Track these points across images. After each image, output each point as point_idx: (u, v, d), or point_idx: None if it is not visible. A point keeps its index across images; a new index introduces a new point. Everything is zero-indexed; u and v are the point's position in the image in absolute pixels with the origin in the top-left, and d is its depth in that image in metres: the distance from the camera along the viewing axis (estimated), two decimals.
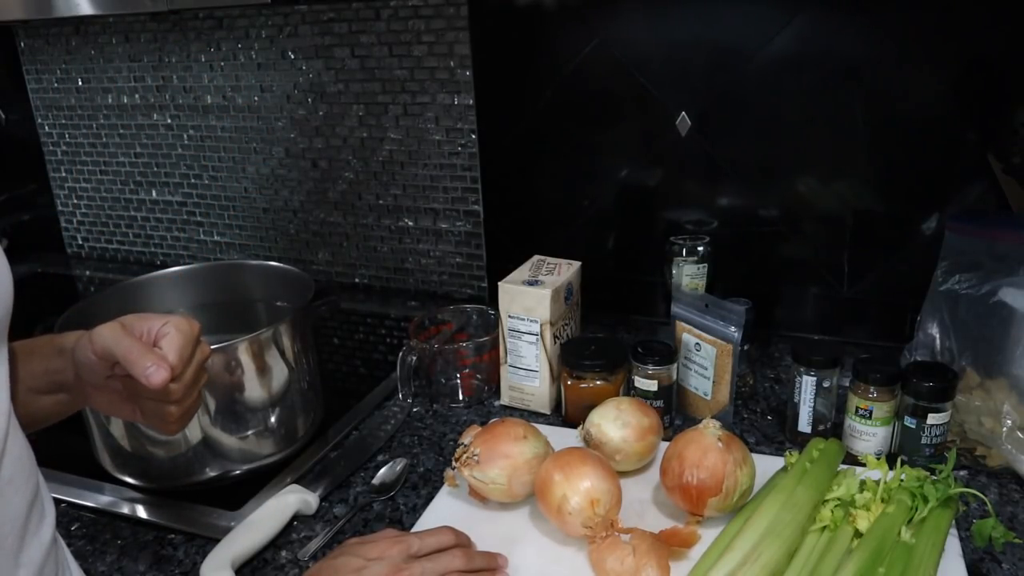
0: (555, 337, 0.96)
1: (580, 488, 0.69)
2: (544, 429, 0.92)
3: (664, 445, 0.79)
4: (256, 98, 1.38)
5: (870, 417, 0.82)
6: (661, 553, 0.66)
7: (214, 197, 1.51)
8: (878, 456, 0.80)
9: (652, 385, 0.90)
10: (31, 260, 1.69)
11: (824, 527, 0.67)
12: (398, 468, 0.87)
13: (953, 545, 0.68)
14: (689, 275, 1.06)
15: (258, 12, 1.31)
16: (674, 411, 0.94)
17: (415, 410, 1.00)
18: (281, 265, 1.04)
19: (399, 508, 0.82)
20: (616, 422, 0.80)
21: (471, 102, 1.23)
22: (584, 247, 1.16)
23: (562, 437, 0.90)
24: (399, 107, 1.28)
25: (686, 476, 0.72)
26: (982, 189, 1.00)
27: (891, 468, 0.72)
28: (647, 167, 1.16)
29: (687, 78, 1.09)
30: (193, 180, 1.51)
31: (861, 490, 0.71)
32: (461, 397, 1.01)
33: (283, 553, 0.76)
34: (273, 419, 0.87)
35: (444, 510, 0.79)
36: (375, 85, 1.28)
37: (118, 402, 0.65)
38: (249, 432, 0.85)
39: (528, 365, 0.96)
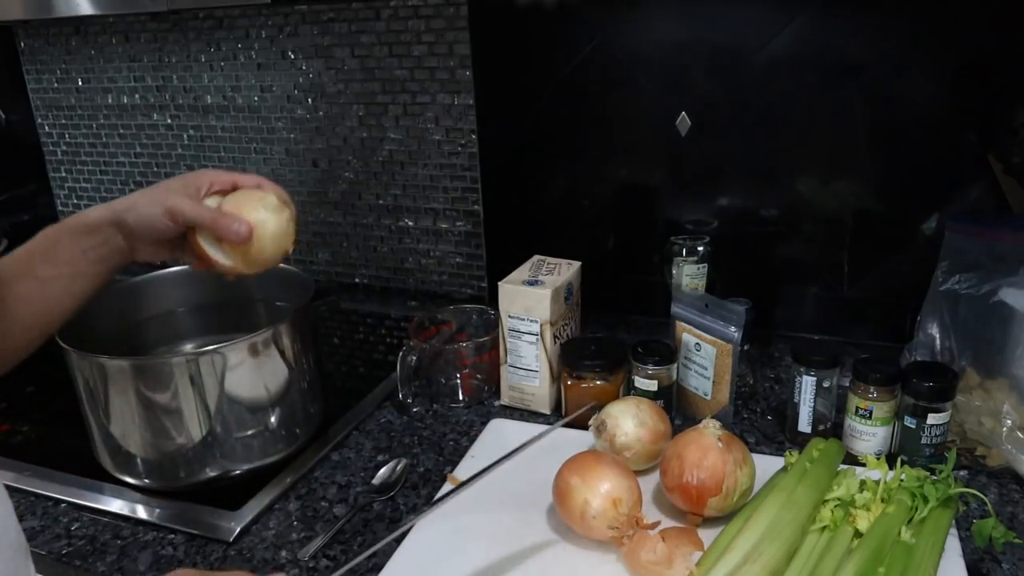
0: (555, 337, 0.96)
1: (600, 490, 0.69)
2: (544, 429, 0.92)
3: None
4: (256, 98, 1.39)
5: (870, 417, 0.82)
6: (692, 536, 0.66)
7: None
8: (878, 456, 0.80)
9: (652, 385, 0.90)
10: None
11: (824, 527, 0.67)
12: (398, 468, 0.87)
13: (953, 545, 0.68)
14: (689, 275, 1.06)
15: (258, 12, 1.31)
16: (674, 411, 0.94)
17: (415, 410, 1.00)
18: (281, 265, 1.04)
19: (399, 508, 0.82)
20: (635, 419, 0.80)
21: (471, 102, 1.23)
22: (584, 247, 1.17)
23: (562, 437, 0.91)
24: (399, 107, 1.28)
25: (686, 476, 0.72)
26: (982, 189, 1.00)
27: (891, 468, 0.72)
28: (647, 167, 1.16)
29: (687, 78, 1.09)
30: None
31: (861, 490, 0.71)
32: (461, 397, 1.01)
33: (283, 553, 0.76)
34: (273, 419, 0.87)
35: (444, 510, 0.78)
36: (375, 85, 1.29)
37: (163, 251, 0.74)
38: (249, 432, 0.85)
39: (528, 365, 0.96)
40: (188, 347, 1.02)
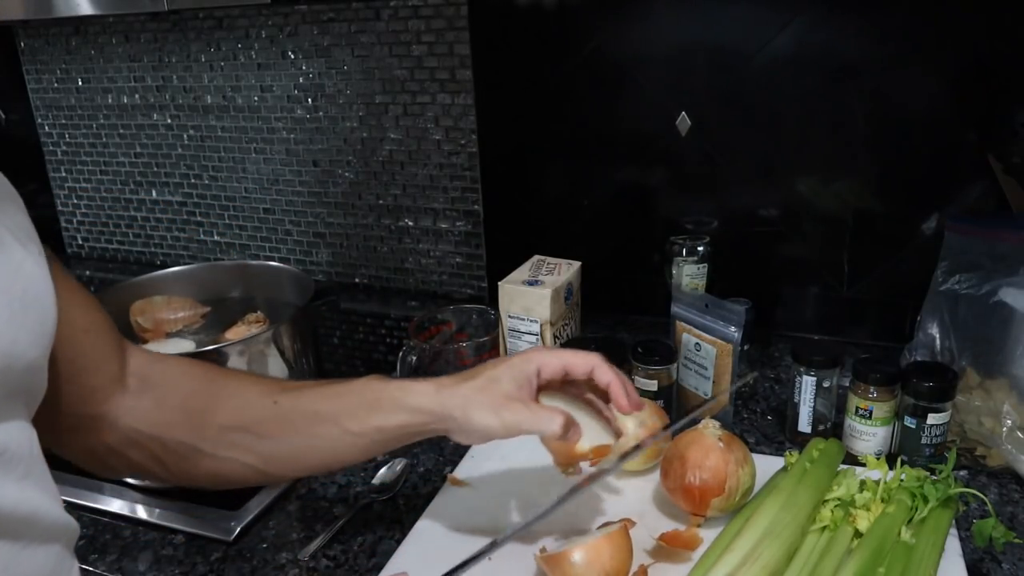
0: (555, 337, 0.96)
1: None
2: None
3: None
4: (256, 98, 1.38)
5: (870, 417, 0.82)
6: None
7: (214, 197, 1.51)
8: (878, 456, 0.80)
9: (652, 385, 0.90)
10: None
11: (824, 527, 0.67)
12: (398, 468, 0.87)
13: (953, 545, 0.68)
14: (689, 275, 1.06)
15: (258, 12, 1.31)
16: (674, 411, 0.94)
17: None
18: (281, 265, 1.04)
19: (399, 508, 0.82)
20: (635, 419, 0.80)
21: (471, 102, 1.23)
22: (584, 247, 1.16)
23: None
24: (399, 107, 1.28)
25: (688, 477, 0.72)
26: (982, 189, 1.00)
27: (891, 468, 0.72)
28: (647, 167, 1.16)
29: (687, 78, 1.09)
30: (193, 180, 1.51)
31: (861, 490, 0.71)
32: None
33: (283, 553, 0.76)
34: None
35: (444, 510, 0.79)
36: (375, 85, 1.29)
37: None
38: None
39: None
40: (188, 346, 1.02)
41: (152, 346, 0.92)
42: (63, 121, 1.59)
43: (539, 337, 0.94)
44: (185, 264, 1.37)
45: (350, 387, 0.66)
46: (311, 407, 0.65)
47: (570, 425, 0.64)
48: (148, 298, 0.99)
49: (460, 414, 0.62)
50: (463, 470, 0.85)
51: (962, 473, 0.82)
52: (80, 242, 1.70)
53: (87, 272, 1.64)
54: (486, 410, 0.62)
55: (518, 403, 0.63)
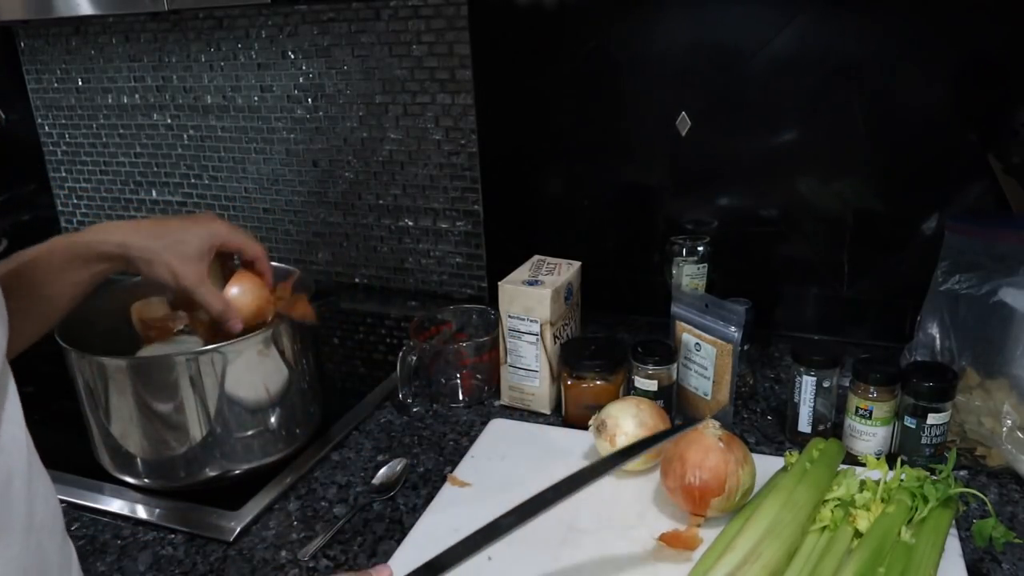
0: (555, 337, 0.96)
1: None
2: (544, 429, 0.92)
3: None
4: (256, 98, 1.39)
5: (870, 417, 0.82)
6: None
7: (214, 197, 1.51)
8: (878, 456, 0.80)
9: (652, 385, 0.90)
10: None
11: (824, 527, 0.67)
12: (398, 468, 0.87)
13: (953, 545, 0.68)
14: (689, 275, 1.06)
15: (258, 12, 1.31)
16: (674, 411, 0.94)
17: (415, 410, 1.00)
18: (281, 265, 1.04)
19: (399, 508, 0.82)
20: (634, 419, 0.80)
21: (471, 102, 1.23)
22: (584, 247, 1.16)
23: (563, 438, 0.91)
24: (399, 107, 1.28)
25: (688, 477, 0.72)
26: (982, 189, 1.00)
27: (891, 468, 0.72)
28: (647, 167, 1.16)
29: (687, 78, 1.09)
30: (193, 180, 1.51)
31: (861, 490, 0.71)
32: (461, 397, 1.01)
33: (283, 553, 0.76)
34: (273, 419, 0.87)
35: (444, 510, 0.79)
36: (375, 85, 1.29)
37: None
38: (249, 432, 0.85)
39: (528, 365, 0.96)
40: (188, 346, 1.01)
41: (158, 345, 0.92)
42: (63, 121, 1.59)
43: (539, 337, 0.94)
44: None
45: (36, 255, 0.69)
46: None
47: (232, 325, 0.78)
48: (146, 300, 0.99)
49: (142, 265, 0.72)
50: (463, 470, 0.85)
51: (962, 473, 0.82)
52: None
53: None
54: (165, 268, 0.73)
55: (194, 270, 0.74)
